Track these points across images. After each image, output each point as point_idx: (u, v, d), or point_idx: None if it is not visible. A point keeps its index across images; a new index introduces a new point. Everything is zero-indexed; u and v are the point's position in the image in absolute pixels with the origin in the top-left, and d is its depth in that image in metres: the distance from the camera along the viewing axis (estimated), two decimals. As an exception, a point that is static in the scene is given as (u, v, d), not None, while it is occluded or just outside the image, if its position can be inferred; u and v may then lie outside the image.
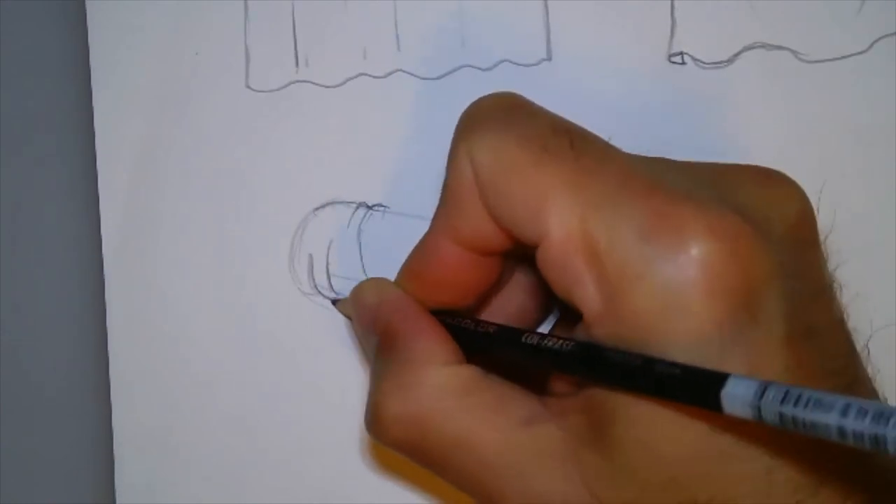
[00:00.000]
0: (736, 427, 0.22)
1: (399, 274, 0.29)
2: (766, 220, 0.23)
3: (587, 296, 0.23)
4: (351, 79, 0.34)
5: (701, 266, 0.22)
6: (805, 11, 0.32)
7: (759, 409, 0.20)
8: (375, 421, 0.27)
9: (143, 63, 0.35)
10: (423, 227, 0.33)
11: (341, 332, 0.34)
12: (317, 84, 0.34)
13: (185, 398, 0.34)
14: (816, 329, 0.23)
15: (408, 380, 0.26)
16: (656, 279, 0.22)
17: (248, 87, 0.34)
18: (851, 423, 0.18)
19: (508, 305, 0.30)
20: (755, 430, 0.22)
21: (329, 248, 0.34)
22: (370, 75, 0.34)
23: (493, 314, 0.30)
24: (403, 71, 0.34)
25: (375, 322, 0.28)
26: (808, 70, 0.32)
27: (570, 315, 0.27)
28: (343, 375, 0.34)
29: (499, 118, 0.25)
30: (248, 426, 0.34)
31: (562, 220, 0.23)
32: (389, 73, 0.34)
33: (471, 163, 0.25)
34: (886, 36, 0.32)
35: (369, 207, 0.34)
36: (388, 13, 0.34)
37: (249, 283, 0.34)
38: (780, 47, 0.32)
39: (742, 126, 0.32)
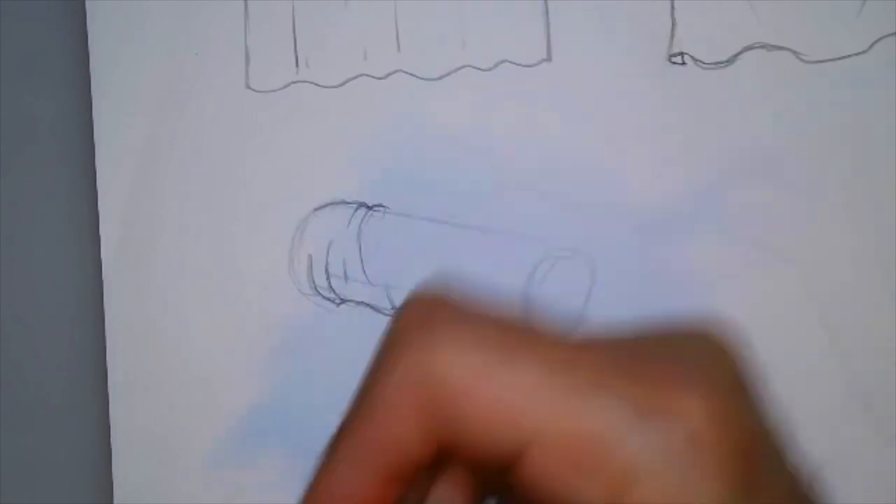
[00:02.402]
0: None
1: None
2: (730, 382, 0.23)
3: (591, 498, 0.22)
4: (351, 79, 0.34)
5: (704, 447, 0.21)
6: (805, 12, 0.32)
7: None
8: None
9: (143, 63, 0.35)
10: (423, 228, 0.33)
11: (340, 332, 0.34)
12: (317, 84, 0.34)
13: (184, 399, 0.34)
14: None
15: None
16: (661, 466, 0.21)
17: (249, 87, 0.34)
18: None
19: None
20: None
21: (329, 249, 0.34)
22: (370, 76, 0.34)
23: None
24: (403, 71, 0.34)
25: None
26: (808, 70, 0.32)
27: None
28: (342, 375, 0.34)
29: (443, 324, 0.23)
30: (247, 427, 0.34)
31: (552, 423, 0.22)
32: (389, 74, 0.34)
33: (424, 377, 0.22)
34: (887, 36, 0.32)
35: (369, 208, 0.34)
36: (388, 14, 0.34)
37: (249, 284, 0.34)
38: (780, 47, 0.32)
39: (742, 126, 0.32)
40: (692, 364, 0.23)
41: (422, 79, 0.34)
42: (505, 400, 0.22)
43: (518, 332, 0.23)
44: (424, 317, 0.23)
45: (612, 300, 0.32)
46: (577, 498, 0.22)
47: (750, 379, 0.24)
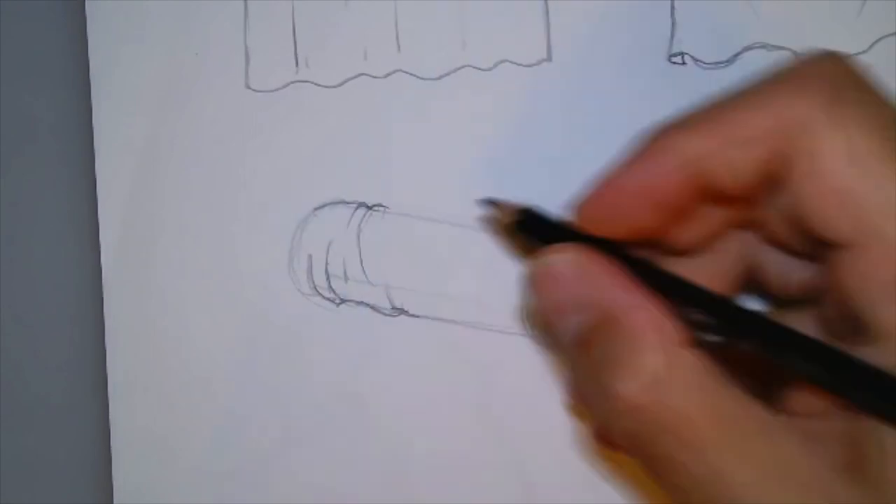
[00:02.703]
0: None
1: (596, 186, 0.26)
2: None
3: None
4: (351, 79, 0.34)
5: None
6: (805, 12, 0.32)
7: None
8: (611, 409, 0.23)
9: (142, 63, 0.35)
10: (423, 228, 0.33)
11: (340, 332, 0.34)
12: (317, 84, 0.34)
13: (183, 399, 0.34)
14: None
15: (641, 367, 0.23)
16: None
17: (248, 87, 0.34)
18: None
19: (700, 271, 0.26)
20: None
21: (328, 249, 0.34)
22: (370, 75, 0.34)
23: (682, 269, 0.26)
24: (403, 71, 0.34)
25: (579, 301, 0.25)
26: None
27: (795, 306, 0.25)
28: (342, 375, 0.34)
29: (848, 91, 0.22)
30: (247, 427, 0.34)
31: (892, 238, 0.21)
32: (389, 74, 0.34)
33: (791, 120, 0.22)
34: (886, 36, 0.32)
35: (369, 208, 0.34)
36: (388, 14, 0.34)
37: (248, 284, 0.34)
38: (780, 48, 0.32)
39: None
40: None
41: (422, 78, 0.34)
42: (863, 196, 0.21)
43: None
44: (831, 70, 0.23)
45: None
46: (880, 311, 0.21)
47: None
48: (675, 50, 0.32)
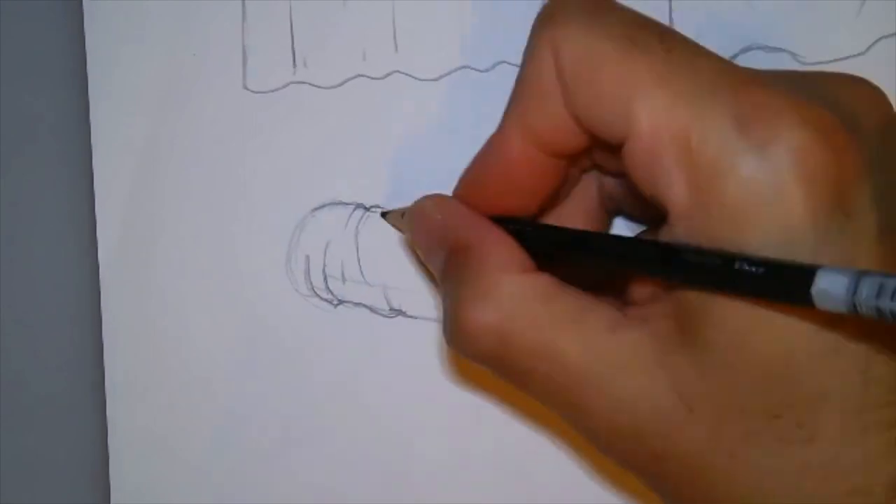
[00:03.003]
0: (831, 322, 0.22)
1: (459, 184, 0.29)
2: (854, 115, 0.23)
3: (676, 190, 0.23)
4: (349, 80, 0.34)
5: (796, 157, 0.21)
6: (804, 13, 0.32)
7: (853, 305, 0.19)
8: (459, 332, 0.26)
9: (140, 64, 0.35)
10: (421, 229, 0.33)
11: (338, 333, 0.34)
12: (315, 85, 0.34)
13: (181, 399, 0.34)
14: None
15: (487, 290, 0.25)
16: (749, 170, 0.22)
17: (246, 88, 0.34)
18: None
19: (564, 219, 0.29)
20: (851, 326, 0.22)
21: (326, 250, 0.34)
22: (368, 76, 0.34)
23: (559, 218, 0.29)
24: (401, 72, 0.34)
25: (442, 238, 0.28)
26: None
27: (655, 221, 0.27)
28: (340, 376, 0.34)
29: (584, 11, 0.24)
30: (245, 427, 0.34)
31: (651, 113, 0.23)
32: (388, 75, 0.34)
33: (554, 56, 0.24)
34: (885, 37, 0.31)
35: (367, 209, 0.34)
36: (386, 14, 0.34)
37: (246, 284, 0.34)
38: (778, 49, 0.32)
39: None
40: (826, 92, 0.23)
41: (420, 79, 0.34)
42: (613, 88, 0.23)
43: (647, 33, 0.24)
44: (569, 3, 0.25)
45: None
46: (663, 188, 0.23)
47: (892, 128, 0.24)
48: (674, 51, 0.32)
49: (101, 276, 0.35)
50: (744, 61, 0.32)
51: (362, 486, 0.34)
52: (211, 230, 0.34)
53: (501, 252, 0.26)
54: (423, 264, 0.32)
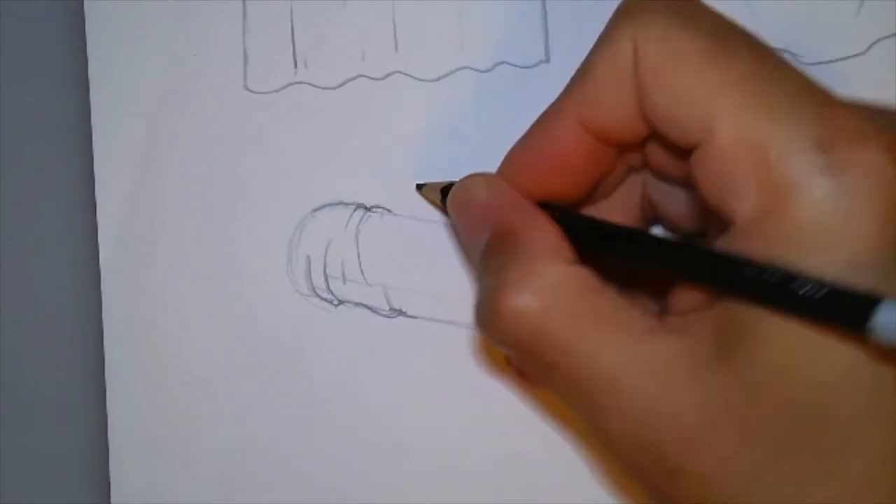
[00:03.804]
0: (884, 358, 0.21)
1: (506, 161, 0.28)
2: None
3: (747, 201, 0.22)
4: (349, 80, 0.34)
5: (877, 184, 0.21)
6: (803, 13, 0.32)
7: None
8: (495, 315, 0.25)
9: (141, 64, 0.35)
10: (422, 229, 0.33)
11: (338, 333, 0.34)
12: (315, 86, 0.34)
13: (182, 399, 0.34)
14: None
15: (530, 277, 0.25)
16: (827, 192, 0.21)
17: (247, 88, 0.34)
18: None
19: (614, 210, 0.29)
20: None
21: (327, 250, 0.34)
22: (369, 77, 0.34)
23: (597, 215, 0.29)
24: (402, 73, 0.34)
25: (486, 219, 0.27)
26: (806, 72, 0.32)
27: (695, 235, 0.27)
28: (340, 376, 0.34)
29: (670, 7, 0.24)
30: (245, 427, 0.34)
31: (733, 119, 0.22)
32: (388, 75, 0.34)
33: (634, 46, 0.24)
34: (885, 38, 0.32)
35: (367, 209, 0.34)
36: (386, 15, 0.34)
37: (247, 285, 0.34)
38: (778, 49, 0.32)
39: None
40: None
41: (420, 80, 0.34)
42: (695, 90, 0.23)
43: (735, 37, 0.23)
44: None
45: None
46: (732, 198, 0.23)
47: None
48: (673, 51, 0.32)
49: (102, 277, 0.35)
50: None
51: (362, 485, 0.34)
52: (211, 230, 0.34)
53: (546, 239, 0.25)
54: (460, 241, 0.32)
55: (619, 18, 0.25)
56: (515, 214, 0.26)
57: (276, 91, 0.34)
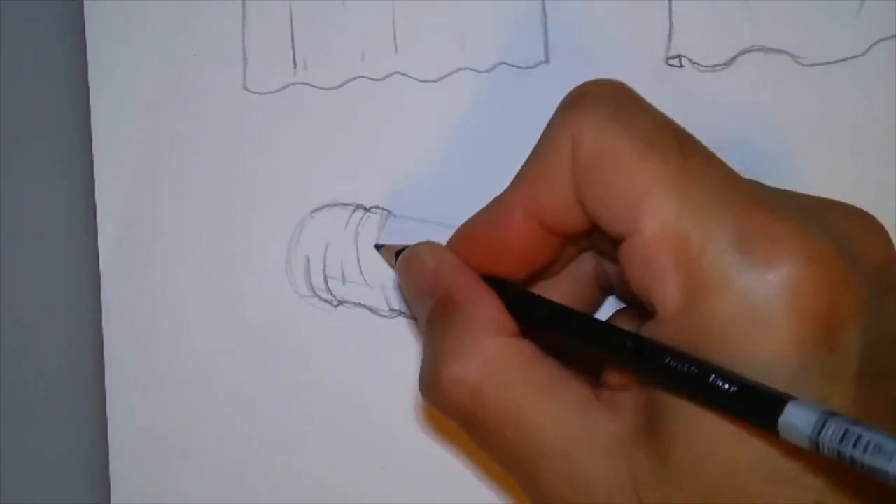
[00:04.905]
0: (793, 452, 0.22)
1: (456, 237, 0.29)
2: (856, 255, 0.23)
3: (667, 294, 0.23)
4: (349, 81, 0.34)
5: (793, 286, 0.22)
6: (803, 14, 0.32)
7: (816, 443, 0.20)
8: (433, 384, 0.26)
9: (140, 65, 0.35)
10: (421, 229, 0.33)
11: (338, 334, 0.34)
12: (315, 86, 0.34)
13: (181, 399, 0.34)
14: (889, 374, 0.23)
15: (467, 347, 0.26)
16: (744, 290, 0.22)
17: (246, 88, 0.34)
18: None
19: (557, 290, 0.30)
20: (813, 458, 0.22)
21: (326, 250, 0.34)
22: (368, 77, 0.34)
23: (551, 287, 0.30)
24: (401, 73, 0.34)
25: (432, 287, 0.28)
26: (805, 73, 0.32)
27: (634, 312, 0.28)
28: (340, 376, 0.34)
29: (609, 105, 0.25)
30: (244, 427, 0.34)
31: (658, 216, 0.23)
32: (387, 76, 0.34)
33: (572, 143, 0.25)
34: (884, 39, 0.31)
35: (366, 210, 0.34)
36: (386, 15, 0.34)
37: (246, 285, 0.34)
38: (777, 50, 0.32)
39: (739, 129, 0.32)
40: (831, 223, 0.24)
41: (420, 80, 0.34)
42: (624, 187, 0.24)
43: (667, 137, 0.24)
44: (595, 94, 0.25)
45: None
46: (656, 289, 0.23)
47: (890, 276, 0.24)
48: (673, 52, 0.32)
49: (101, 277, 0.35)
50: (744, 62, 0.32)
51: (362, 485, 0.34)
52: (211, 230, 0.34)
53: (488, 313, 0.27)
54: (407, 305, 0.33)
55: (561, 111, 0.26)
56: (459, 285, 0.27)
57: (276, 91, 0.34)
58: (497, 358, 0.26)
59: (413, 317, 0.33)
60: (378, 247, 0.33)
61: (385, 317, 0.34)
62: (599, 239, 0.27)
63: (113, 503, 0.35)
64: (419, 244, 0.30)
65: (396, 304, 0.34)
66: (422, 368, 0.27)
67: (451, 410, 0.26)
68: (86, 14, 0.35)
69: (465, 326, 0.26)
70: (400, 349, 0.34)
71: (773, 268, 0.22)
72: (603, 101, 0.25)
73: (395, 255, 0.31)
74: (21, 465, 0.36)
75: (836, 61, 0.32)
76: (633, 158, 0.24)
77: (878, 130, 0.31)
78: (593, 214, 0.25)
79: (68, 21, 0.36)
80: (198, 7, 0.35)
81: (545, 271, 0.29)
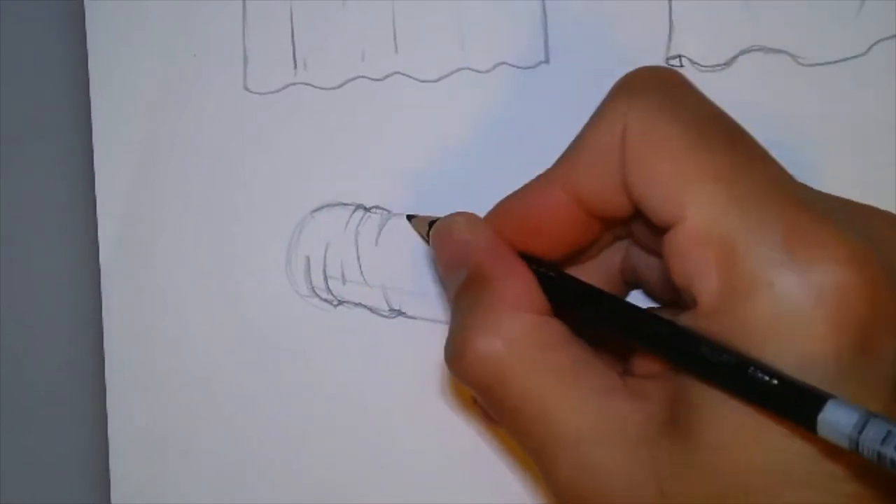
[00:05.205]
0: (828, 453, 0.22)
1: (494, 212, 0.29)
2: (894, 264, 0.23)
3: (708, 288, 0.23)
4: (349, 81, 0.34)
5: (835, 290, 0.22)
6: (803, 14, 0.32)
7: (856, 443, 0.19)
8: (459, 356, 0.26)
9: (141, 65, 0.35)
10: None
11: (338, 333, 0.34)
12: (315, 86, 0.34)
13: (181, 399, 0.34)
14: None
15: (496, 321, 0.26)
16: (786, 291, 0.22)
17: (247, 89, 0.34)
18: None
19: (593, 274, 0.29)
20: (845, 462, 0.22)
21: (326, 250, 0.34)
22: (368, 77, 0.34)
23: (580, 273, 0.29)
24: (401, 73, 0.34)
25: (465, 259, 0.28)
26: (805, 73, 0.32)
27: (670, 303, 0.28)
28: (340, 376, 0.34)
29: (662, 91, 0.25)
30: (244, 427, 0.34)
31: (703, 209, 0.23)
32: (387, 76, 0.34)
33: (623, 127, 0.25)
34: (884, 39, 0.31)
35: (366, 209, 0.34)
36: (386, 15, 0.34)
37: (246, 285, 0.34)
38: (777, 50, 0.32)
39: (740, 129, 0.32)
40: (871, 229, 0.24)
41: (420, 81, 0.34)
42: (671, 175, 0.24)
43: (717, 127, 0.24)
44: (649, 80, 0.25)
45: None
46: (697, 282, 0.23)
47: None
48: (673, 52, 0.32)
49: (101, 277, 0.35)
50: (744, 62, 0.32)
51: (361, 485, 0.34)
52: (211, 230, 0.35)
53: (518, 289, 0.26)
54: (438, 274, 0.32)
55: (613, 95, 0.26)
56: (493, 259, 0.27)
57: (276, 91, 0.34)
58: (523, 336, 0.25)
59: (444, 289, 0.33)
60: (410, 217, 0.32)
61: (385, 317, 0.34)
62: (639, 227, 0.27)
63: (113, 503, 0.35)
64: (455, 214, 0.29)
65: (396, 303, 0.34)
66: (448, 339, 0.27)
67: (474, 383, 0.26)
68: (86, 14, 0.35)
69: (494, 300, 0.26)
70: (400, 349, 0.34)
71: (817, 271, 0.22)
72: (655, 87, 0.25)
73: (427, 225, 0.31)
74: (21, 465, 0.36)
75: (836, 61, 0.32)
76: (681, 148, 0.24)
77: (878, 130, 0.31)
78: (639, 200, 0.25)
79: (68, 21, 0.36)
80: (198, 7, 0.35)
81: (577, 257, 0.29)
